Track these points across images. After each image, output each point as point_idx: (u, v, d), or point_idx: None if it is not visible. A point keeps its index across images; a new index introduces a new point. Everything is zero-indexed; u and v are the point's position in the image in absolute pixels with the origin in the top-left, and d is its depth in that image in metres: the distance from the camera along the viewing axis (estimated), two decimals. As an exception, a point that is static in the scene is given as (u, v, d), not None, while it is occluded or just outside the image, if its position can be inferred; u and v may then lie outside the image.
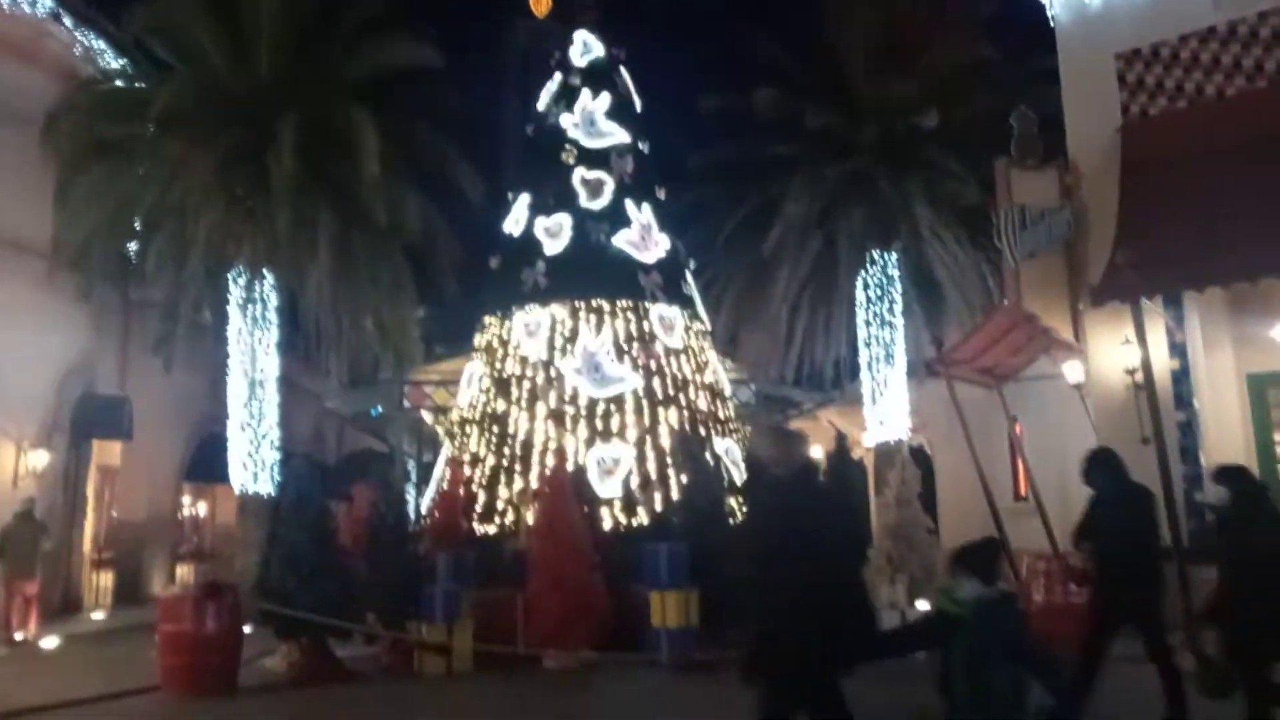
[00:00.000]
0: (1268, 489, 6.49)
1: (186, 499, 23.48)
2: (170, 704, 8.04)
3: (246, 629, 9.28)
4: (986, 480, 13.42)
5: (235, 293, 15.02)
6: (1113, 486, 6.46)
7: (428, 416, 18.13)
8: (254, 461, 14.93)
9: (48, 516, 14.92)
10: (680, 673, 8.72)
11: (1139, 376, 10.80)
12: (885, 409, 16.30)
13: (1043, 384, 14.59)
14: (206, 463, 18.92)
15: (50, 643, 11.88)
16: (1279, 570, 5.62)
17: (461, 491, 11.73)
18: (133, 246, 15.60)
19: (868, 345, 16.31)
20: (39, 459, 14.22)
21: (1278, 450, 11.08)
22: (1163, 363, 10.64)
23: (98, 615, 15.55)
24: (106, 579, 17.40)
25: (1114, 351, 11.43)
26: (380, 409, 18.44)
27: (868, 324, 16.21)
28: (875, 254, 15.72)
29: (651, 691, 8.29)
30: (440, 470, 13.00)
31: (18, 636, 11.96)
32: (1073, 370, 12.42)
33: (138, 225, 15.19)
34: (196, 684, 8.22)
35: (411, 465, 19.60)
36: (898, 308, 16.08)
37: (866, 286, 16.07)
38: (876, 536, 10.70)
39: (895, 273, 15.89)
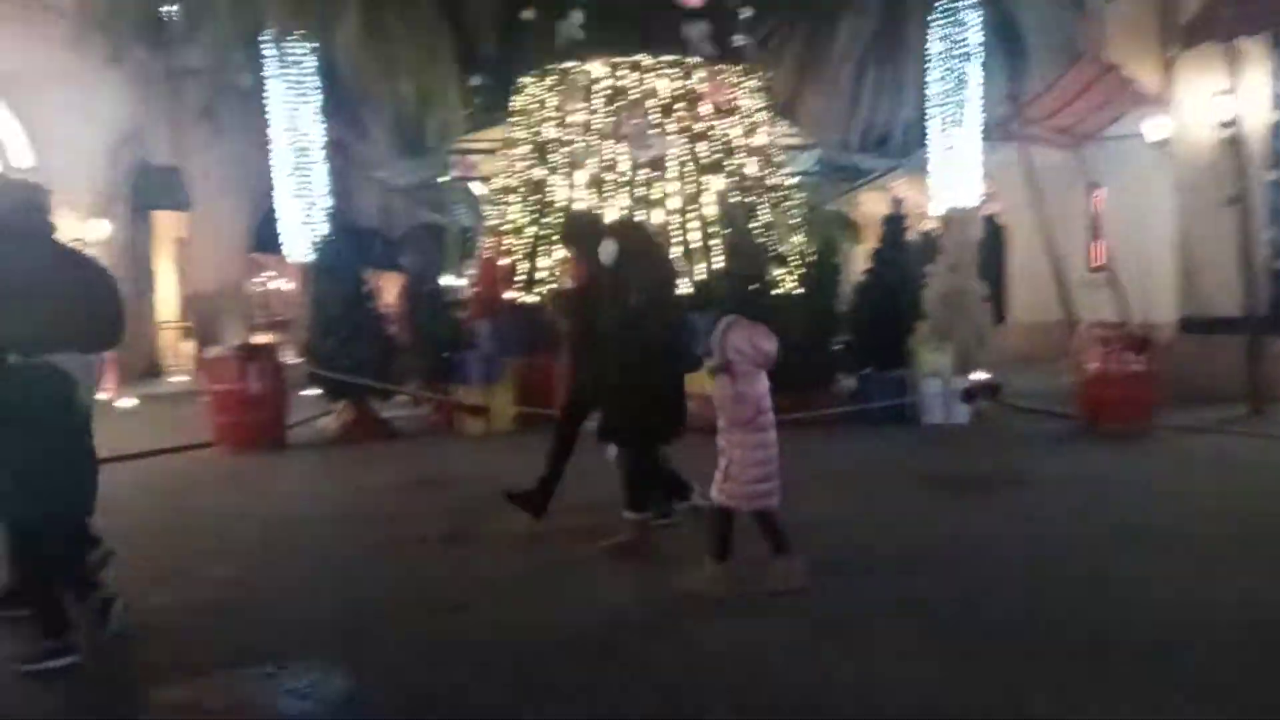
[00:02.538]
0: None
1: (267, 271, 24.16)
2: (218, 458, 8.44)
3: (308, 391, 9.62)
4: (1055, 248, 12.78)
5: (277, 55, 14.51)
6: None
7: (476, 188, 17.76)
8: (308, 231, 14.97)
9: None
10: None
11: (1233, 131, 9.83)
12: (955, 175, 15.33)
13: (1126, 144, 13.49)
14: (276, 234, 19.23)
15: (128, 403, 12.55)
16: None
17: (502, 260, 11.57)
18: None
19: (940, 106, 15.11)
20: (100, 228, 14.48)
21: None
22: (1260, 114, 9.62)
23: (178, 379, 16.36)
24: (187, 346, 18.22)
25: (1205, 104, 10.35)
26: (420, 179, 18.08)
27: (941, 79, 14.94)
28: (950, 1, 14.22)
29: (674, 449, 8.35)
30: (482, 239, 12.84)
31: (98, 396, 12.61)
32: (1155, 127, 11.37)
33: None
34: (245, 440, 8.57)
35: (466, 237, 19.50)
36: (974, 62, 14.71)
37: (942, 38, 14.67)
38: (928, 303, 10.27)
39: (973, 21, 14.40)
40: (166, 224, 18.41)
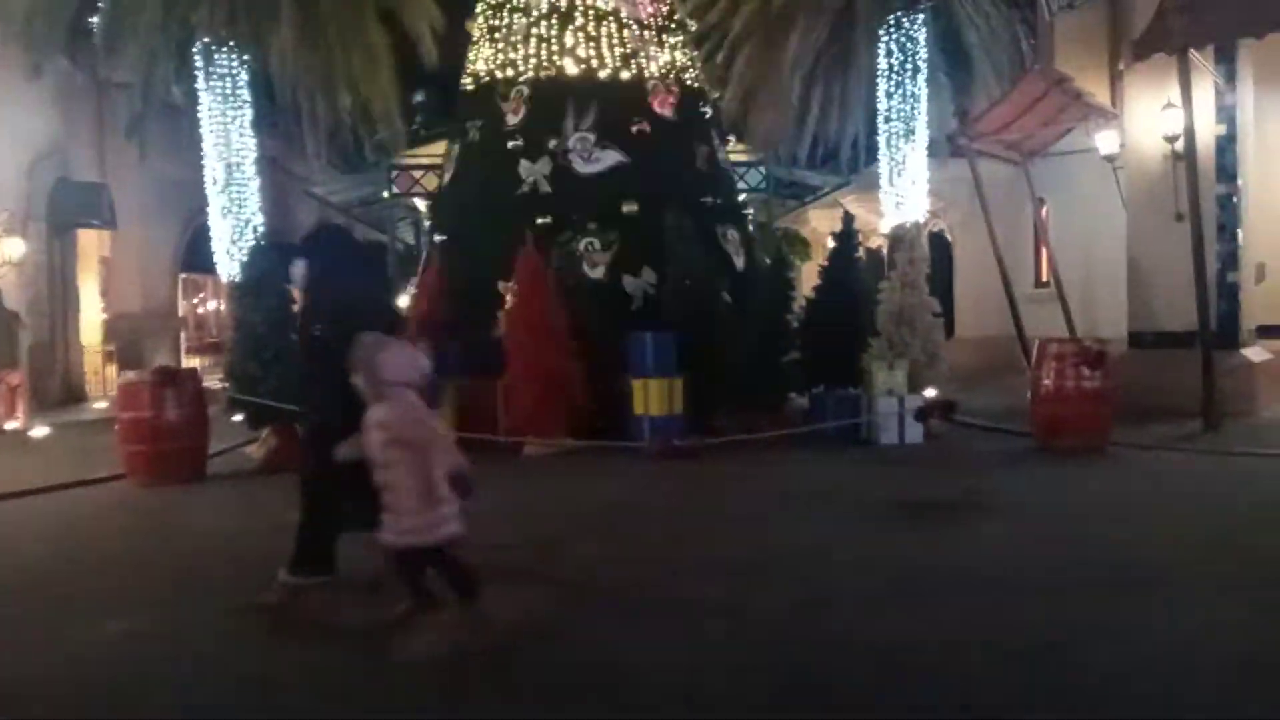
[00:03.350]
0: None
1: (202, 291, 23.28)
2: (128, 492, 7.83)
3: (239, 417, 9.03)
4: (1004, 265, 12.68)
5: (204, 68, 13.94)
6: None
7: (421, 205, 17.28)
8: (238, 249, 14.36)
9: (34, 308, 14.66)
10: (659, 459, 8.38)
11: (1180, 145, 9.76)
12: (903, 191, 15.22)
13: (1073, 160, 13.52)
14: (208, 253, 18.48)
15: (40, 432, 11.79)
16: None
17: (442, 278, 11.10)
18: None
19: (888, 121, 14.98)
20: (13, 248, 13.70)
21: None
22: (1207, 129, 9.57)
23: (102, 405, 15.54)
24: (111, 370, 17.37)
25: (1153, 118, 10.31)
26: (360, 195, 17.55)
27: (889, 95, 14.82)
28: (899, 16, 14.14)
29: (622, 474, 7.98)
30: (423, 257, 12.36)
31: (7, 426, 11.88)
32: (1106, 140, 11.34)
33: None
34: (159, 472, 7.96)
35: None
36: (921, 77, 14.64)
37: (889, 54, 14.57)
38: (879, 320, 10.04)
39: (920, 36, 14.33)
40: (91, 243, 17.59)
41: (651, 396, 8.99)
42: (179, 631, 4.21)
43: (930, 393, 9.76)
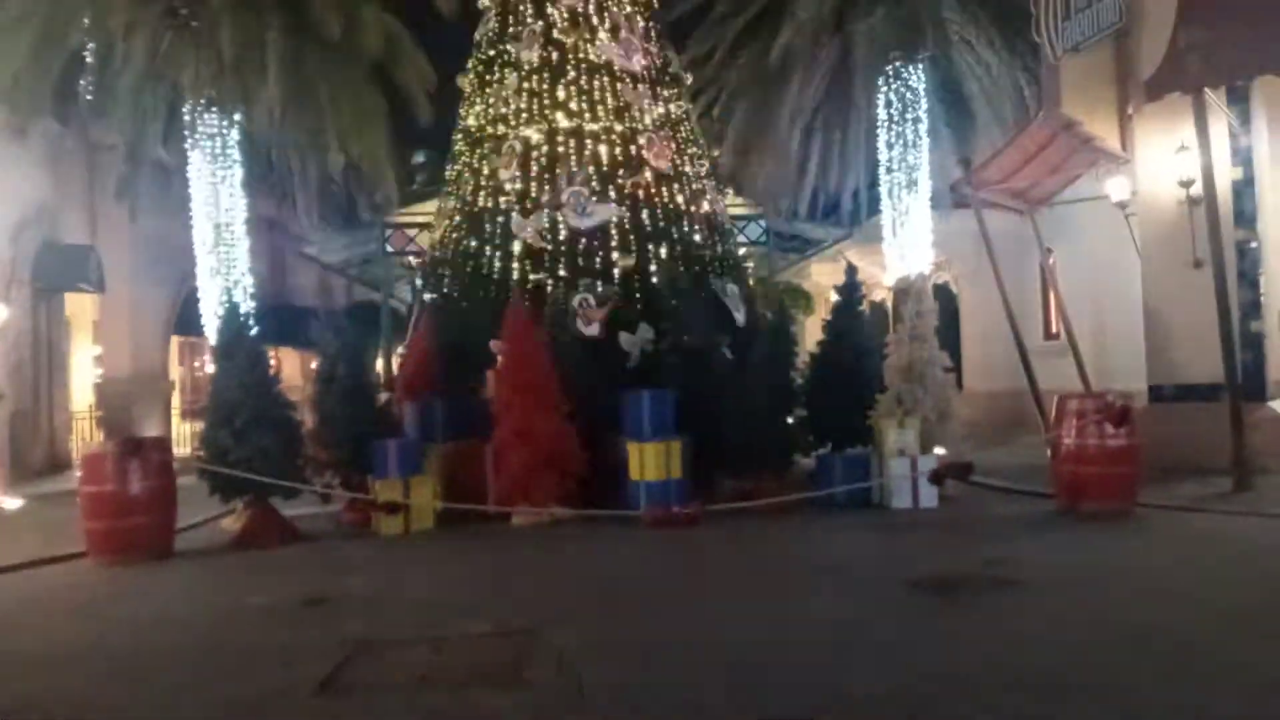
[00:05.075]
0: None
1: (199, 354, 22.87)
2: (89, 571, 7.30)
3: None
4: (1014, 317, 12.23)
5: (192, 127, 13.73)
6: None
7: (415, 262, 16.95)
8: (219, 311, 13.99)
9: (17, 374, 14.26)
10: (656, 528, 7.84)
11: (1195, 190, 9.37)
12: (906, 243, 14.85)
13: (1081, 209, 13.15)
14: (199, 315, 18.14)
15: (12, 504, 11.30)
16: None
17: (432, 338, 10.69)
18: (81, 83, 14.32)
19: (889, 172, 14.67)
20: (-6, 312, 13.34)
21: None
22: (1223, 172, 9.18)
23: (84, 473, 15.04)
24: (100, 436, 16.90)
25: (1166, 162, 9.93)
26: (354, 255, 17.22)
27: (889, 146, 14.53)
28: (897, 65, 13.91)
29: (616, 547, 7.44)
30: (414, 317, 11.97)
31: (-23, 498, 11.39)
32: (1117, 186, 10.95)
33: (87, 56, 13.86)
34: (122, 549, 7.44)
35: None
36: (922, 127, 14.36)
37: (888, 104, 14.32)
38: (886, 376, 9.56)
39: (920, 86, 14.09)
40: (80, 306, 17.27)
41: (648, 460, 8.49)
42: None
43: (941, 452, 9.25)
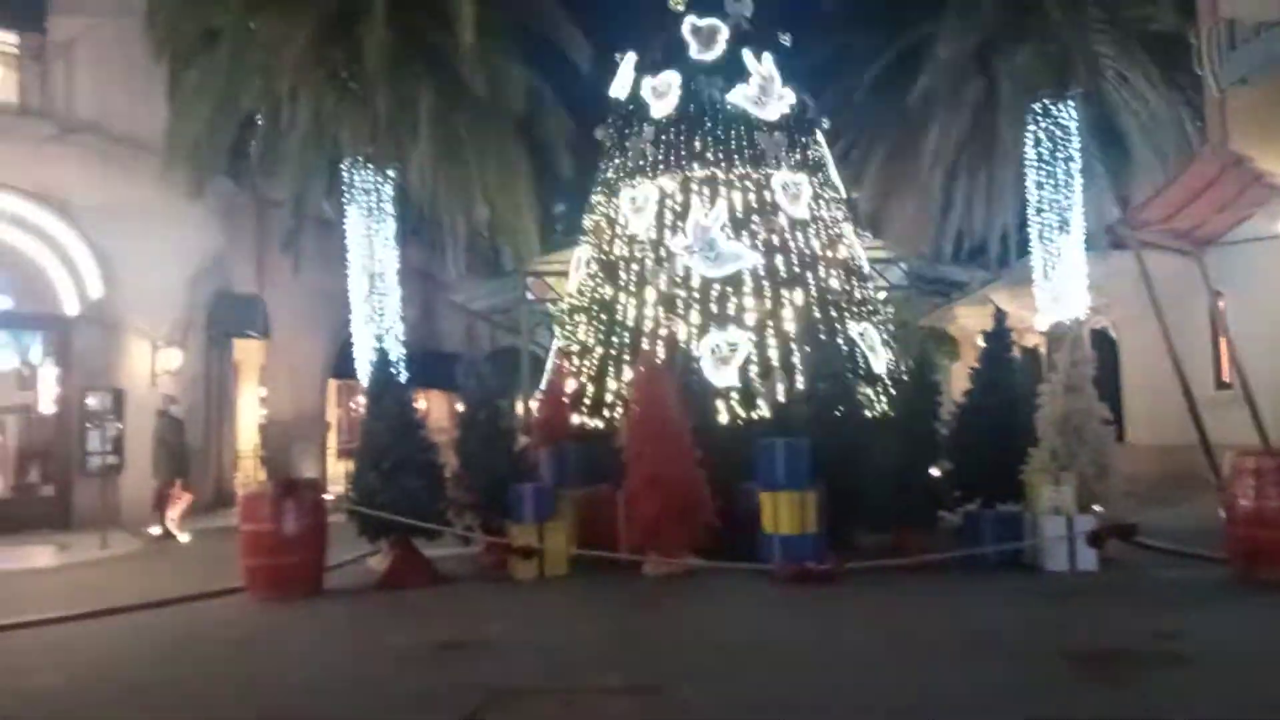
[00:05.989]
0: None
1: (357, 397, 24.07)
2: (244, 607, 7.69)
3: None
4: (1181, 365, 11.41)
5: (349, 183, 14.59)
6: None
7: (554, 309, 17.38)
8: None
9: (190, 415, 15.32)
10: (790, 584, 7.62)
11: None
12: (1060, 286, 14.15)
13: (1253, 248, 12.18)
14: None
15: (184, 538, 12.11)
16: None
17: (568, 384, 10.88)
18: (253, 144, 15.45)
19: (1039, 212, 14.09)
20: (172, 358, 14.42)
21: None
22: None
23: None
24: (260, 475, 17.93)
25: (1355, 197, 9.12)
26: (496, 302, 17.78)
27: (1039, 186, 13.95)
28: (1046, 102, 13.38)
29: (747, 601, 7.27)
30: (549, 363, 12.22)
31: (153, 530, 12.23)
32: (1296, 225, 10.11)
33: (258, 119, 14.94)
34: (276, 586, 7.82)
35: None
36: (1074, 166, 13.73)
37: (1037, 142, 13.78)
38: (1040, 429, 9.04)
39: (1071, 123, 13.48)
40: (247, 352, 18.46)
41: (781, 512, 8.29)
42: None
43: (1100, 510, 8.65)
